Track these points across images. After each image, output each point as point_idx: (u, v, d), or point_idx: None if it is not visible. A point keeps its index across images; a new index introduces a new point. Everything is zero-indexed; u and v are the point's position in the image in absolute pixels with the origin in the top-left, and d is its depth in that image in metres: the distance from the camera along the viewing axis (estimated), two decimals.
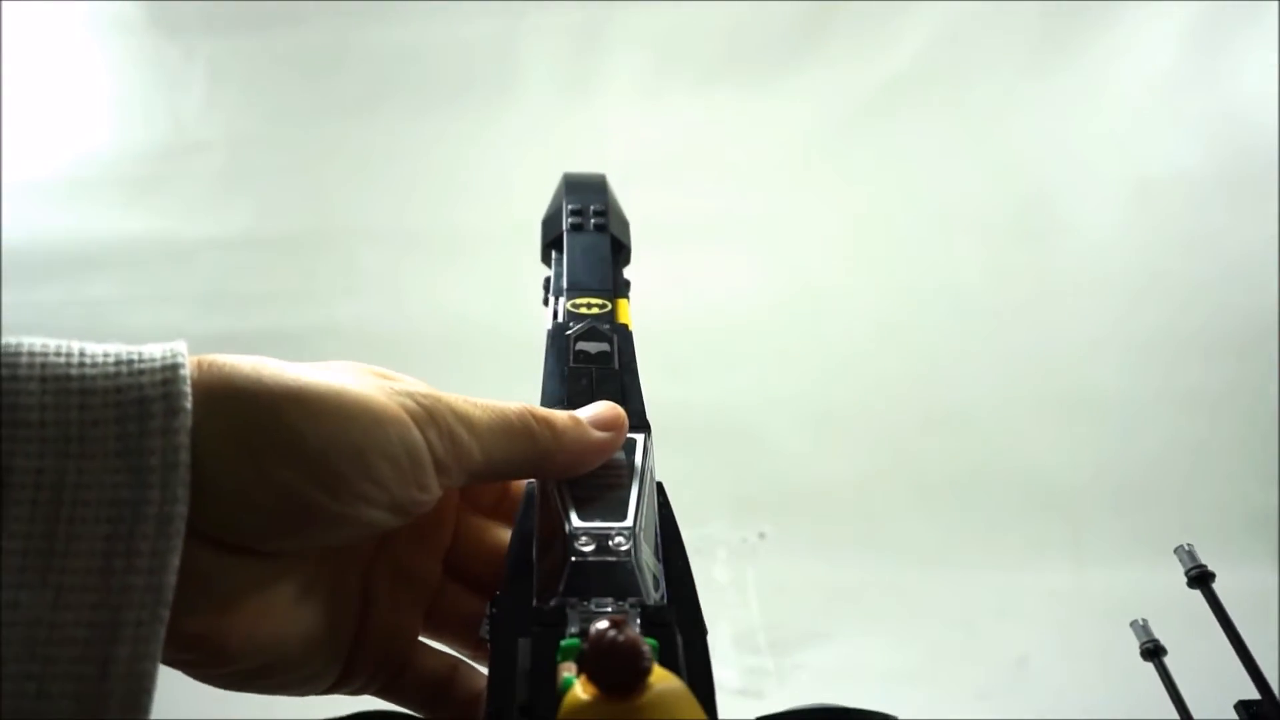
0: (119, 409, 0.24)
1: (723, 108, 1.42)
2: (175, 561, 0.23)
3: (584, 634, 0.23)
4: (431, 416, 0.28)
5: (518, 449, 0.30)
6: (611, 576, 0.28)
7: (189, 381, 0.25)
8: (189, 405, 0.24)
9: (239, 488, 0.25)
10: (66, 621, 0.22)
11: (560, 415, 0.31)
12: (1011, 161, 1.38)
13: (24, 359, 0.24)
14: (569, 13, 1.42)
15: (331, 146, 1.45)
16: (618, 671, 0.22)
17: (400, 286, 1.40)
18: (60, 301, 1.38)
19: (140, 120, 1.47)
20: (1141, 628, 0.38)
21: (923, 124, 1.38)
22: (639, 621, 0.27)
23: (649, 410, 0.35)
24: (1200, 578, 0.35)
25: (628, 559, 0.28)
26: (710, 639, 0.29)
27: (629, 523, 0.29)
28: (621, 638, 0.22)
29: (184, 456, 0.24)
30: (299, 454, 0.26)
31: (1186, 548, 0.36)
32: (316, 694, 0.32)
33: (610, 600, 0.28)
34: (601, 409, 0.33)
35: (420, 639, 0.34)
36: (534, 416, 0.30)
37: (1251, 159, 1.31)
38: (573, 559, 0.28)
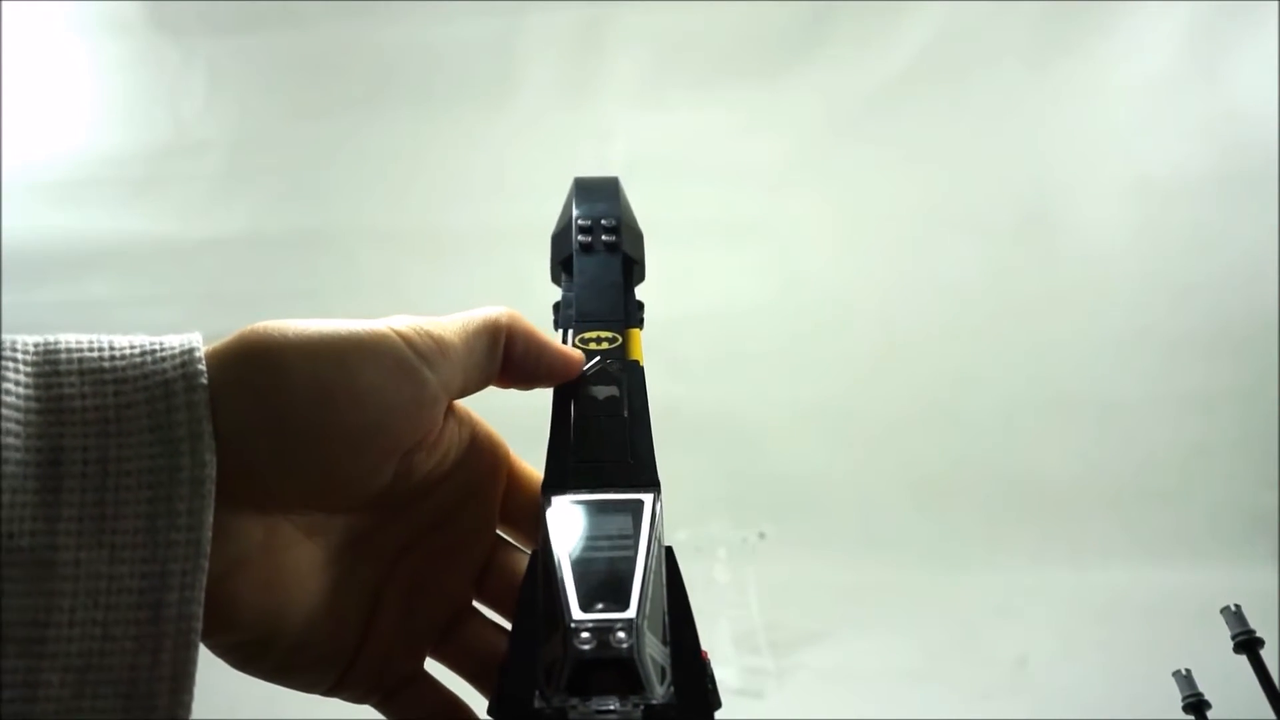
0: (147, 391, 0.28)
1: (723, 107, 1.42)
2: (209, 518, 0.27)
3: None
4: (412, 326, 0.32)
5: (489, 331, 0.33)
6: (614, 674, 0.28)
7: (204, 362, 0.29)
8: (205, 382, 0.29)
9: (251, 430, 0.29)
10: (122, 574, 0.26)
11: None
12: (1012, 162, 1.38)
13: (63, 355, 0.28)
14: (569, 12, 1.42)
15: (331, 146, 1.45)
16: None
17: (400, 286, 1.40)
18: (59, 301, 1.38)
19: (140, 120, 1.47)
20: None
21: (923, 124, 1.38)
22: None
23: (652, 409, 0.35)
24: (1247, 644, 0.33)
25: (629, 655, 0.28)
26: (710, 641, 0.29)
27: (631, 613, 0.28)
28: None
29: (206, 426, 0.28)
30: (292, 383, 0.29)
31: (1234, 609, 0.33)
32: (319, 692, 0.33)
33: (613, 699, 0.27)
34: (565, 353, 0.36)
35: (433, 669, 0.35)
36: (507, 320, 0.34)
37: (1252, 159, 1.31)
38: (574, 657, 0.28)
